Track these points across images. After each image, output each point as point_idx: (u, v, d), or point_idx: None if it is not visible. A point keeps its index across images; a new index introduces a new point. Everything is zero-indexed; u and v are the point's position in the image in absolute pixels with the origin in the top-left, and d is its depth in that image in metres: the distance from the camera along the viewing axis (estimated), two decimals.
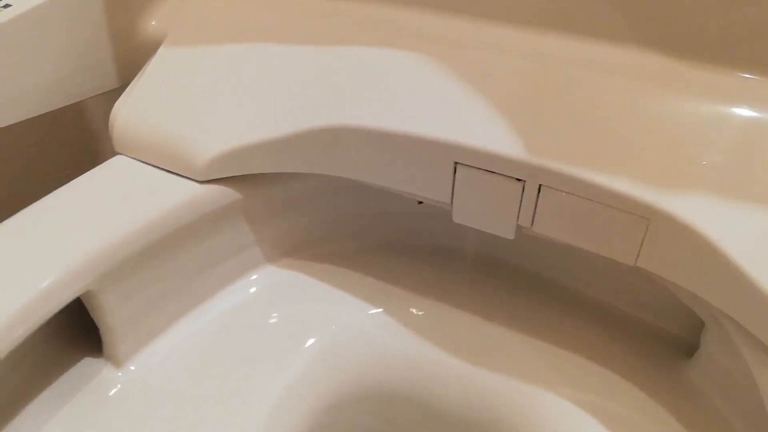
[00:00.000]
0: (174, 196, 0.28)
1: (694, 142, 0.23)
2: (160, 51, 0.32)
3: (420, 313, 0.33)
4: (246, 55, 0.31)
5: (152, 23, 0.35)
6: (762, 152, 0.23)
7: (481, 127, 0.26)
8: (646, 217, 0.23)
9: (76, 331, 0.29)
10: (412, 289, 0.34)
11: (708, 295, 0.22)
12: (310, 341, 0.31)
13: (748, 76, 0.24)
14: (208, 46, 0.32)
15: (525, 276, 0.34)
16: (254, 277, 0.33)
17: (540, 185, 0.25)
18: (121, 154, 0.30)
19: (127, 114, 0.30)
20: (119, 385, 0.27)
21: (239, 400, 0.29)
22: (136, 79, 0.32)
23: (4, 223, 0.26)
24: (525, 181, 0.25)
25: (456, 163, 0.26)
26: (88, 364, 0.28)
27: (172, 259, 0.29)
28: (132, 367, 0.28)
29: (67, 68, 0.31)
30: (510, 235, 0.27)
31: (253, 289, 0.33)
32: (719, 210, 0.22)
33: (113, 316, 0.27)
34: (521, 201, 0.26)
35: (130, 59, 0.34)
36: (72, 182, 0.28)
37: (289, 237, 0.34)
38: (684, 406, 0.26)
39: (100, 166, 0.29)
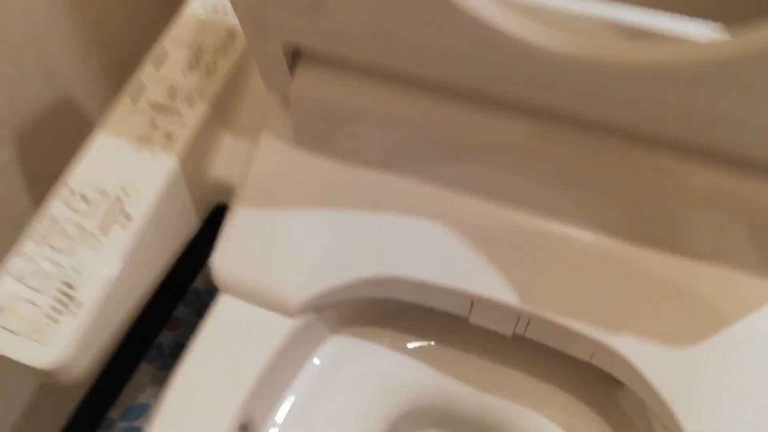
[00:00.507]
0: (280, 333, 0.40)
1: (645, 297, 0.37)
2: (238, 208, 0.41)
3: (437, 352, 0.48)
4: (312, 213, 0.41)
5: (217, 171, 0.44)
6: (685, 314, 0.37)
7: (491, 279, 0.38)
8: (596, 344, 0.37)
9: None
10: (429, 337, 0.48)
11: (635, 390, 0.38)
12: (370, 386, 0.46)
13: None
14: (277, 203, 0.41)
15: None
16: (324, 348, 0.47)
17: (529, 320, 0.38)
18: (226, 294, 0.42)
19: (227, 266, 0.41)
20: None
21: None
22: (224, 233, 0.41)
23: (169, 391, 0.38)
24: (519, 316, 0.39)
25: (472, 301, 0.39)
26: None
27: (279, 370, 0.42)
28: None
29: (168, 245, 0.41)
30: (508, 335, 0.41)
31: (325, 358, 0.47)
32: (650, 347, 0.36)
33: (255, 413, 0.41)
34: (517, 324, 0.39)
35: (204, 203, 0.44)
36: (203, 335, 0.40)
37: (344, 317, 0.47)
38: (618, 426, 0.43)
39: (215, 311, 0.41)
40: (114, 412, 0.76)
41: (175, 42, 0.44)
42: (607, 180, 0.35)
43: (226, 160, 0.44)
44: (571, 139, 0.35)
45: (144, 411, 0.75)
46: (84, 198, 0.38)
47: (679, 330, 0.37)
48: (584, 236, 0.38)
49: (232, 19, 0.45)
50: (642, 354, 0.36)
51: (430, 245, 0.39)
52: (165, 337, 0.79)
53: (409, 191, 0.40)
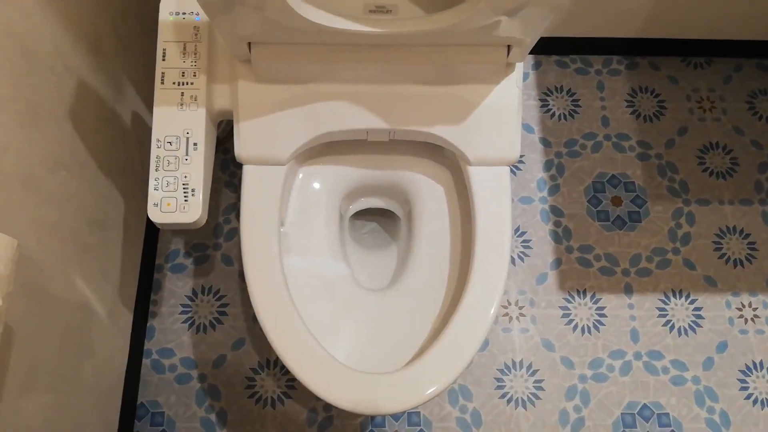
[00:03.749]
0: (281, 172, 0.82)
1: (440, 107, 0.81)
2: (237, 117, 0.79)
3: (357, 159, 0.92)
4: (278, 111, 0.80)
5: (220, 104, 0.80)
6: None
7: (374, 119, 0.81)
8: (425, 133, 0.82)
9: None
10: (351, 152, 0.91)
11: (446, 146, 0.84)
12: (327, 180, 0.90)
13: None
14: (258, 111, 0.80)
15: None
16: (300, 171, 0.89)
17: (394, 131, 0.82)
18: (246, 165, 0.81)
19: (243, 150, 0.80)
20: (287, 233, 0.86)
21: (318, 209, 0.89)
22: (236, 135, 0.80)
23: (242, 208, 0.79)
24: (389, 131, 0.82)
25: (367, 131, 0.82)
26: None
27: (286, 188, 0.84)
28: (287, 224, 0.87)
29: (212, 147, 0.79)
30: (387, 140, 0.85)
31: (303, 175, 0.89)
32: (446, 127, 0.81)
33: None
34: (389, 135, 0.83)
35: (217, 121, 0.81)
36: (246, 183, 0.80)
37: (306, 156, 0.88)
38: (449, 167, 0.90)
39: (245, 173, 0.81)
40: (159, 259, 1.17)
41: (166, 41, 0.77)
42: (411, 62, 0.77)
43: (222, 97, 0.80)
44: (396, 51, 0.75)
45: (177, 254, 1.16)
46: (168, 142, 0.75)
47: (458, 116, 0.82)
48: (409, 88, 0.80)
49: (191, 17, 0.78)
50: (443, 131, 0.81)
51: (344, 111, 0.80)
52: None
53: (328, 88, 0.80)
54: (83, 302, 0.88)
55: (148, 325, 1.12)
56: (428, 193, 0.91)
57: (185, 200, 0.75)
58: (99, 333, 0.93)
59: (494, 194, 0.83)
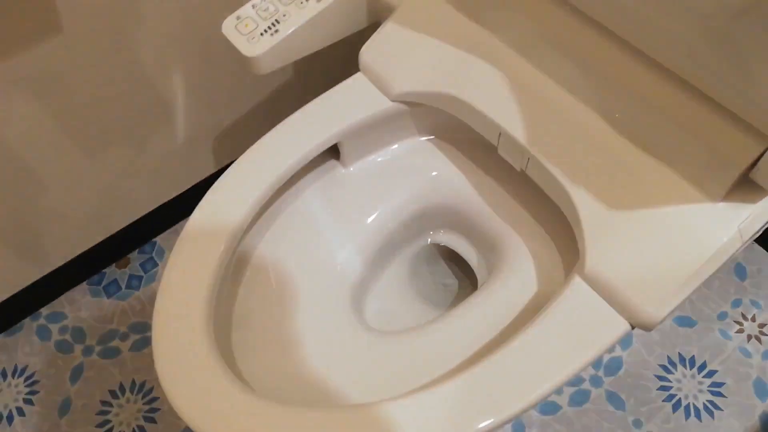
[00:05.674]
0: (379, 104, 0.61)
1: (606, 168, 0.51)
2: (392, 18, 0.61)
3: (470, 172, 0.66)
4: (431, 40, 0.60)
5: None
6: None
7: (517, 122, 0.55)
8: (562, 189, 0.53)
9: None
10: (470, 160, 0.66)
11: (574, 228, 0.53)
12: (420, 174, 0.67)
13: None
14: (414, 27, 0.61)
15: None
16: (404, 142, 0.67)
17: (529, 159, 0.55)
18: (362, 72, 0.63)
19: (367, 52, 0.62)
20: (347, 176, 0.66)
21: (393, 190, 0.66)
22: (375, 34, 0.62)
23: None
24: (525, 156, 0.55)
25: (500, 133, 0.56)
26: (332, 165, 0.66)
27: (372, 126, 0.63)
28: (351, 168, 0.66)
29: (338, 25, 0.63)
30: (518, 169, 0.58)
31: (401, 147, 0.67)
32: (593, 203, 0.51)
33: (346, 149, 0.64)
34: (524, 162, 0.56)
35: (372, 14, 0.65)
36: (338, 87, 0.62)
37: (423, 128, 0.66)
38: (565, 253, 0.59)
39: (351, 78, 0.63)
40: None
41: None
42: (614, 78, 0.49)
43: None
44: (601, 44, 0.49)
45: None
46: None
47: (616, 198, 0.51)
48: (584, 114, 0.53)
49: None
50: (583, 201, 0.51)
51: (491, 88, 0.57)
52: (111, 270, 0.96)
53: (500, 50, 0.57)
54: (173, 102, 0.80)
55: None
56: (522, 275, 0.61)
57: (261, 34, 0.60)
58: (157, 139, 0.85)
59: (577, 336, 0.49)
